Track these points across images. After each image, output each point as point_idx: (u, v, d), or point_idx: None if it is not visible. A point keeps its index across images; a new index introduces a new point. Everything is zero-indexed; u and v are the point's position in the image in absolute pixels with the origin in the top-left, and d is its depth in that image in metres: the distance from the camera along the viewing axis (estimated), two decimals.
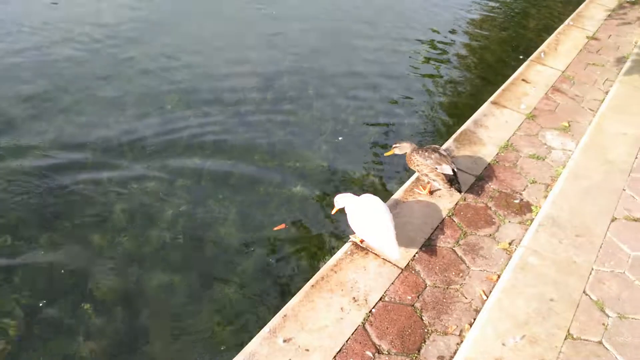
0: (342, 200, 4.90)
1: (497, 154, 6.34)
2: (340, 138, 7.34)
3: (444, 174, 5.32)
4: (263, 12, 10.82)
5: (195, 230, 5.79)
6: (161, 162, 6.63)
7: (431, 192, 5.67)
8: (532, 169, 6.17)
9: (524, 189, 5.86)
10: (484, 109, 7.15)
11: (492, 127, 6.79)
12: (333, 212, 5.09)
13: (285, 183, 6.48)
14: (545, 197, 5.73)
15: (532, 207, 5.59)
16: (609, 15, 10.50)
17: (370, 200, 4.74)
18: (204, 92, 8.06)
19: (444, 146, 6.41)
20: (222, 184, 6.44)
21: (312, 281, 4.52)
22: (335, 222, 5.84)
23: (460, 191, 5.48)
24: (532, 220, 5.41)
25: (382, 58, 9.43)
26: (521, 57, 9.41)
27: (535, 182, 5.97)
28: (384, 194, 6.12)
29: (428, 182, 5.57)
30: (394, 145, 5.68)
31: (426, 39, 10.33)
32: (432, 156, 5.41)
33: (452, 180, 5.37)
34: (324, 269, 4.66)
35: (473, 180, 5.90)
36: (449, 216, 5.40)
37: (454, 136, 6.59)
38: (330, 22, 10.73)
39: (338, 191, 5.54)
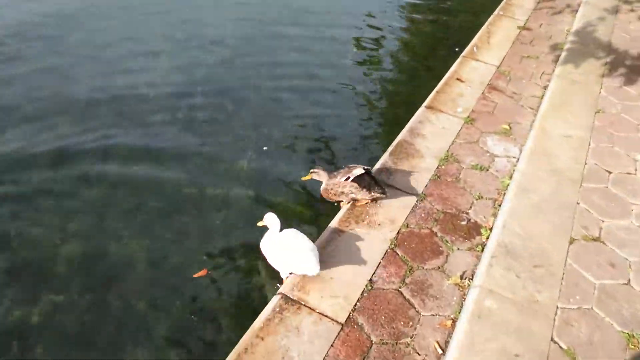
0: (269, 220, 4.57)
1: (437, 168, 5.72)
2: (265, 148, 6.57)
3: (356, 179, 4.97)
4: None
5: (95, 277, 4.86)
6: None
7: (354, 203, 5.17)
8: (477, 182, 5.59)
9: (470, 207, 5.26)
10: (419, 115, 6.52)
11: (429, 136, 6.17)
12: (259, 224, 4.65)
13: (204, 211, 5.64)
14: (494, 214, 5.16)
15: (482, 229, 4.99)
16: (538, 3, 10.15)
17: (287, 232, 4.49)
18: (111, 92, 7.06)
19: (379, 162, 5.73)
20: (127, 214, 5.52)
21: (232, 356, 3.70)
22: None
23: (384, 193, 5.03)
24: (482, 245, 4.81)
25: (307, 59, 8.65)
26: (456, 49, 8.86)
27: (482, 197, 5.39)
28: (315, 227, 5.41)
29: (350, 202, 5.15)
30: (311, 170, 5.28)
31: (353, 33, 9.65)
32: (340, 172, 5.13)
33: (370, 185, 5.00)
34: (248, 336, 3.85)
35: (414, 201, 5.25)
36: (392, 248, 4.72)
37: (389, 149, 5.91)
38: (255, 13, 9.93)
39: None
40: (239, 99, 7.55)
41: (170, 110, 7.19)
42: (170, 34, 9.09)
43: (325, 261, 4.46)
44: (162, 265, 5.09)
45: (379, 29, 10.00)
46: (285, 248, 4.36)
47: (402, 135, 6.14)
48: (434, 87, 7.22)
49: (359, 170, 5.01)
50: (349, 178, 5.00)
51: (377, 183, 5.05)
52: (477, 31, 8.77)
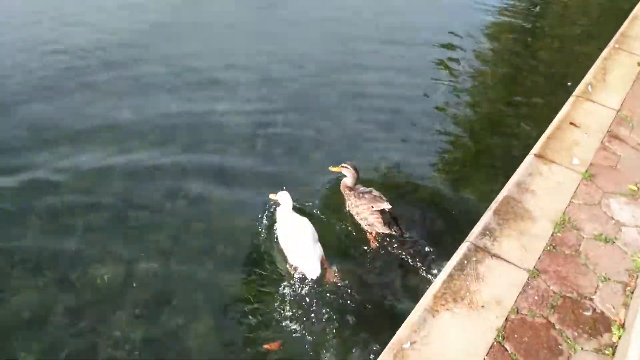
0: (282, 198, 5.11)
1: (552, 235, 4.75)
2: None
3: (379, 211, 5.15)
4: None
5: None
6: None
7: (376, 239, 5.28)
8: (601, 258, 4.58)
9: (595, 291, 4.27)
10: (528, 165, 5.55)
11: (541, 193, 5.20)
12: (271, 196, 5.18)
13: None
14: (625, 304, 4.16)
15: (611, 324, 4.00)
16: None
17: (298, 221, 4.95)
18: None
19: (481, 222, 4.82)
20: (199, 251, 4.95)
21: None
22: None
23: (402, 235, 5.18)
24: (613, 347, 3.82)
25: (392, 90, 7.79)
26: (559, 81, 7.83)
27: (608, 279, 4.39)
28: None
29: (367, 228, 5.28)
30: (342, 165, 5.53)
31: (439, 54, 8.81)
32: (366, 196, 5.29)
33: (390, 222, 5.17)
34: None
35: (525, 278, 4.31)
36: (499, 341, 3.81)
37: (493, 207, 4.99)
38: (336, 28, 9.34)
39: None
40: (320, 124, 6.95)
41: (250, 133, 6.75)
42: (254, 50, 8.62)
43: (418, 350, 3.62)
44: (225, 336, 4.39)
45: (463, 50, 9.16)
46: (292, 239, 4.81)
47: (508, 189, 5.20)
48: (540, 129, 6.29)
49: (383, 205, 5.16)
50: (372, 207, 5.18)
51: (397, 222, 5.19)
52: (578, 61, 7.76)
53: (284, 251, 4.94)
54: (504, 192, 5.17)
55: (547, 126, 6.29)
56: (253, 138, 6.67)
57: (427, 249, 5.23)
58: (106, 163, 6.17)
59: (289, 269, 4.87)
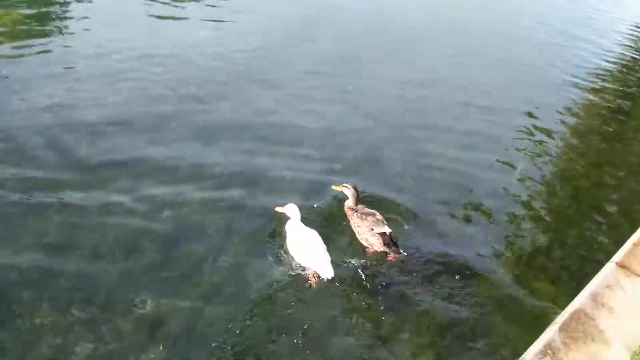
0: (290, 210, 5.52)
1: None
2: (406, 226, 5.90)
3: (379, 234, 5.47)
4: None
5: None
6: None
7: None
8: None
9: None
10: (607, 275, 4.85)
11: (620, 311, 4.48)
12: (278, 209, 5.58)
13: None
14: None
15: None
16: None
17: (307, 231, 5.39)
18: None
19: (543, 338, 4.17)
20: None
21: None
22: None
23: (399, 253, 5.45)
24: None
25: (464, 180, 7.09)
26: None
27: None
28: None
29: (367, 245, 5.56)
30: (344, 185, 5.88)
31: (516, 136, 8.20)
32: (369, 218, 5.62)
33: (389, 244, 5.48)
34: None
35: None
36: None
37: (559, 321, 4.33)
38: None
39: None
40: (387, 183, 6.68)
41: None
42: (329, 102, 8.44)
43: None
44: None
45: (549, 126, 8.53)
46: (306, 242, 5.26)
47: (580, 301, 4.52)
48: (626, 235, 5.55)
49: (383, 229, 5.49)
50: (372, 229, 5.52)
51: (395, 244, 5.49)
52: None
53: (296, 258, 5.27)
54: (575, 304, 4.50)
55: (636, 229, 5.57)
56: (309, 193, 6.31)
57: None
58: (171, 195, 6.01)
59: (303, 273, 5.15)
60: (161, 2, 11.47)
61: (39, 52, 8.65)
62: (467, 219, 6.22)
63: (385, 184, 6.62)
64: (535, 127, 8.45)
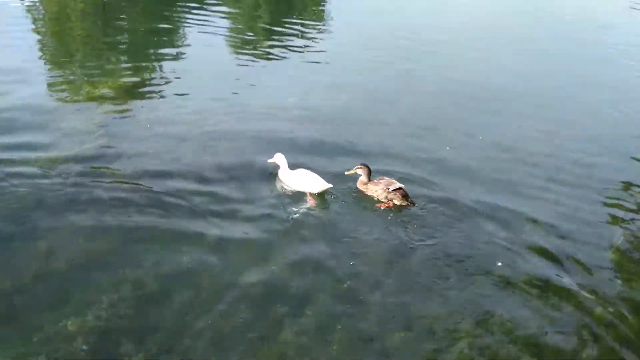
0: (279, 159, 7.65)
1: None
2: None
3: (396, 189, 7.19)
4: None
5: None
6: None
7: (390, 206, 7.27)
8: None
9: None
10: None
11: None
12: (269, 160, 7.78)
13: None
14: None
15: None
16: None
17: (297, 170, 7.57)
18: None
19: None
20: None
21: None
22: None
23: (414, 204, 7.23)
24: None
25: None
26: None
27: None
28: None
29: (388, 203, 7.24)
30: (357, 167, 7.51)
31: (615, 207, 7.91)
32: (382, 182, 7.34)
33: (404, 196, 7.23)
34: None
35: None
36: None
37: None
38: None
39: None
40: None
41: None
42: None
43: None
44: None
45: None
46: (301, 174, 7.45)
47: None
48: None
49: (397, 184, 7.26)
50: (388, 189, 7.22)
51: (408, 197, 7.24)
52: None
53: (291, 186, 7.50)
54: None
55: None
56: None
57: None
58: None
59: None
60: (253, 66, 12.25)
61: (145, 114, 9.36)
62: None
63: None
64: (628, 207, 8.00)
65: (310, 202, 7.26)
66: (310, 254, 6.36)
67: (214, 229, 6.59)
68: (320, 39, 14.70)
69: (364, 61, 12.97)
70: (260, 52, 13.35)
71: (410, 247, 6.60)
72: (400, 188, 7.21)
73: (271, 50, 13.44)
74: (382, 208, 7.22)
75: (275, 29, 15.46)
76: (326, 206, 7.34)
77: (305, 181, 7.44)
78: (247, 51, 13.44)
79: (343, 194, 7.56)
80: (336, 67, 12.55)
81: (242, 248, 6.35)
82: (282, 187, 7.57)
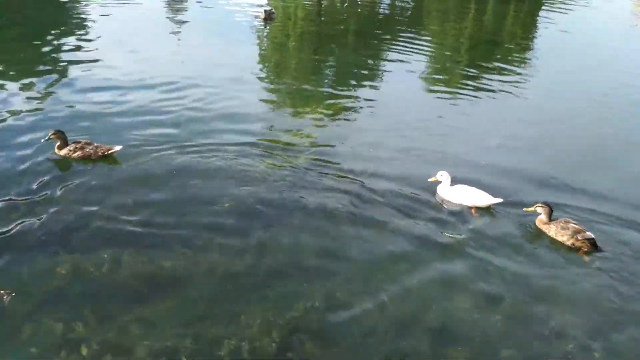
0: (442, 176, 8.22)
1: None
2: None
3: (588, 239, 7.20)
4: None
5: None
6: None
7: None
8: None
9: None
10: None
11: None
12: (430, 180, 8.28)
13: None
14: None
15: None
16: None
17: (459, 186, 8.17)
18: None
19: None
20: None
21: None
22: None
23: (601, 250, 7.20)
24: None
25: None
26: None
27: None
28: None
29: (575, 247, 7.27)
30: (538, 205, 7.68)
31: None
32: (569, 226, 7.34)
33: (594, 244, 7.19)
34: None
35: None
36: None
37: None
38: None
39: None
40: None
41: None
42: None
43: None
44: None
45: None
46: (465, 189, 8.05)
47: None
48: None
49: (588, 234, 7.23)
50: (576, 236, 7.23)
51: (596, 245, 7.25)
52: None
53: (456, 201, 8.08)
54: None
55: None
56: None
57: None
58: None
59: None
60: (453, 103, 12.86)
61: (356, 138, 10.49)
62: None
63: None
64: None
65: (474, 214, 7.90)
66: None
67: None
68: (522, 84, 14.57)
69: (564, 109, 12.84)
70: (460, 91, 13.70)
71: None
72: (591, 238, 7.21)
73: (470, 91, 13.70)
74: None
75: (473, 71, 15.67)
76: (495, 233, 7.65)
77: (470, 195, 7.97)
78: (446, 88, 13.99)
79: (517, 226, 7.83)
80: (535, 109, 12.71)
81: None
82: (442, 201, 8.24)
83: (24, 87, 11.41)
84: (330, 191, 8.22)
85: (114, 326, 5.46)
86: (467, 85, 13.91)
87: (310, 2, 22.84)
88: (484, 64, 16.18)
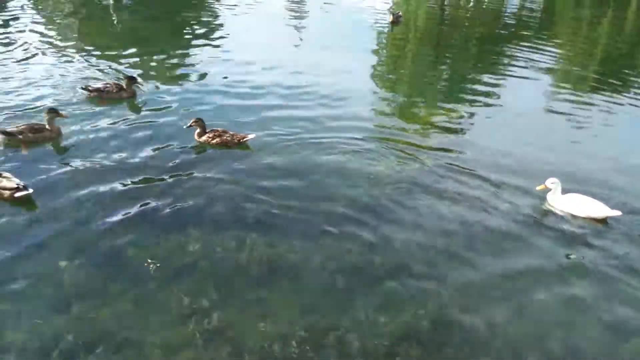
0: (553, 184, 7.92)
1: None
2: None
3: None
4: None
5: None
6: None
7: None
8: None
9: None
10: None
11: None
12: (538, 188, 8.04)
13: None
14: None
15: None
16: None
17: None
18: None
19: None
20: None
21: None
22: None
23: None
24: None
25: None
26: None
27: None
28: None
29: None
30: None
31: None
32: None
33: None
34: None
35: None
36: None
37: None
38: None
39: None
40: None
41: None
42: None
43: None
44: None
45: None
46: (579, 198, 7.67)
47: None
48: None
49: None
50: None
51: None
52: None
53: (568, 210, 7.79)
54: None
55: None
56: None
57: None
58: None
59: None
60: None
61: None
62: None
63: None
64: None
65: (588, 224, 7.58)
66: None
67: None
68: None
69: None
70: (589, 107, 13.36)
71: None
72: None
73: (601, 105, 13.43)
74: None
75: (604, 87, 15.15)
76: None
77: (585, 205, 7.63)
78: (573, 105, 13.55)
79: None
80: None
81: None
82: (550, 210, 8.07)
83: (169, 80, 12.82)
84: (451, 197, 8.25)
85: (235, 305, 5.87)
86: (597, 100, 13.50)
87: (435, 5, 22.84)
88: (614, 81, 15.35)
